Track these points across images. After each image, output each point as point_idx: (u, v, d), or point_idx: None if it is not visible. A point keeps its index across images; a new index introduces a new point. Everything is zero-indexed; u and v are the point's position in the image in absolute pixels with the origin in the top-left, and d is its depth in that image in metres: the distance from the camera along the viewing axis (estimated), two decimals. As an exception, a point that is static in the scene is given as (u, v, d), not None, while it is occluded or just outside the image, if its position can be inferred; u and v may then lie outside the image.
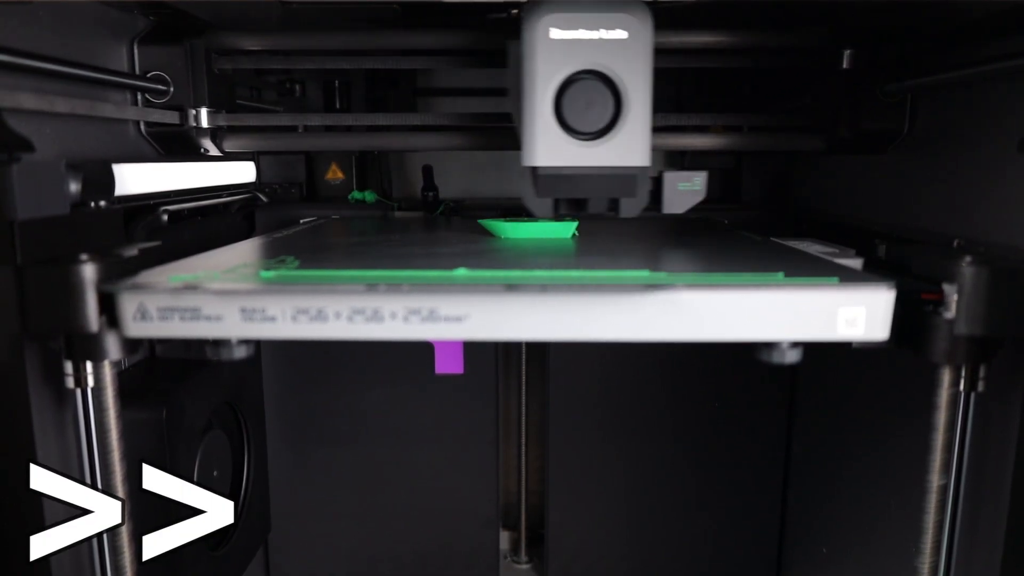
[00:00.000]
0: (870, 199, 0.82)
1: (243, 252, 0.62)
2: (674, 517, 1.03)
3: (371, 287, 0.44)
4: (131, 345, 0.49)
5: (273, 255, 0.58)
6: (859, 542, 0.80)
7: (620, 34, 0.63)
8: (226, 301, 0.45)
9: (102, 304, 0.47)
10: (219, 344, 0.47)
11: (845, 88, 0.79)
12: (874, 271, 0.55)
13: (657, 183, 0.70)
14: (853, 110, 0.78)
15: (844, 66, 0.78)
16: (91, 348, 0.48)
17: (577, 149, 0.65)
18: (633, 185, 0.67)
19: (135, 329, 0.46)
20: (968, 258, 0.48)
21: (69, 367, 0.51)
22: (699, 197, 0.71)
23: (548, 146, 0.65)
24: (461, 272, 0.49)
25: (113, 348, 0.48)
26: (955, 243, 0.61)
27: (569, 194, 0.68)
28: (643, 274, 0.48)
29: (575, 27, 0.63)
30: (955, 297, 0.47)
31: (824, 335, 0.45)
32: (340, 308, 0.45)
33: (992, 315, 0.47)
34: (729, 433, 1.00)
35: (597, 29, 0.63)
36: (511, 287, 0.45)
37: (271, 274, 0.48)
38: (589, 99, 0.64)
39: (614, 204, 0.69)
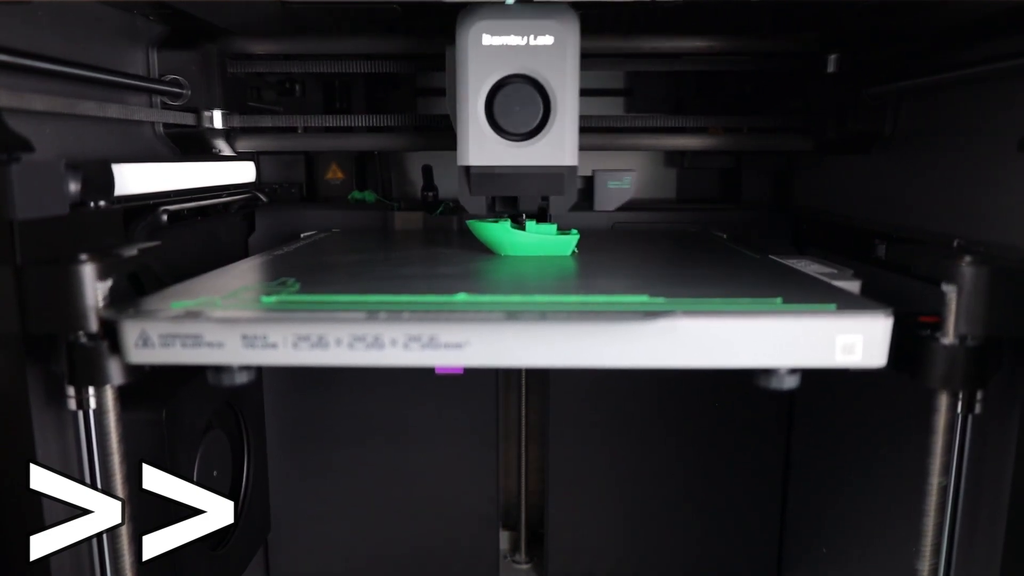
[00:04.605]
0: (870, 199, 0.82)
1: (244, 273, 0.62)
2: (674, 517, 1.03)
3: (371, 314, 0.45)
4: (133, 371, 0.49)
5: (274, 276, 0.58)
6: (859, 542, 0.80)
7: (547, 40, 0.66)
8: (227, 328, 0.45)
9: (104, 330, 0.48)
10: (221, 370, 0.47)
11: (832, 91, 0.81)
12: (874, 272, 0.55)
13: (589, 182, 0.74)
14: (839, 112, 0.80)
15: (830, 70, 0.81)
16: (93, 373, 0.49)
17: (508, 149, 0.69)
18: (561, 183, 0.70)
19: (137, 356, 0.46)
20: (968, 258, 0.48)
21: (71, 390, 0.51)
22: (628, 195, 0.74)
23: (480, 147, 0.69)
24: (461, 297, 0.49)
25: (115, 374, 0.49)
26: (955, 243, 0.61)
27: (501, 192, 0.72)
28: (642, 299, 0.48)
29: (506, 33, 0.66)
30: (953, 306, 0.47)
31: (822, 362, 0.45)
32: (341, 335, 0.45)
33: (992, 315, 0.47)
34: (729, 433, 1.00)
35: (526, 35, 0.66)
36: (511, 314, 0.45)
37: (272, 299, 0.49)
38: (519, 102, 0.68)
39: (547, 201, 0.72)
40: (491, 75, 0.67)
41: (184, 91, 0.80)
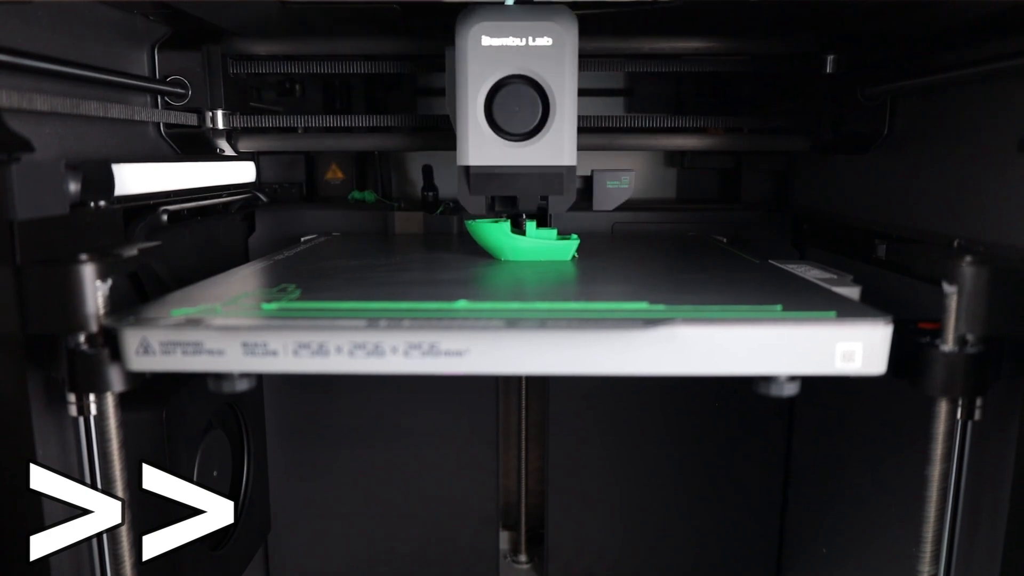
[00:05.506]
0: (870, 199, 0.82)
1: (244, 279, 0.62)
2: (674, 517, 1.03)
3: (372, 322, 0.45)
4: (134, 378, 0.49)
5: (274, 282, 0.58)
6: (859, 542, 0.80)
7: (546, 41, 0.67)
8: (228, 336, 0.45)
9: (105, 337, 0.48)
10: (221, 377, 0.47)
11: (828, 91, 0.81)
12: (874, 272, 0.55)
13: (588, 182, 0.75)
14: (836, 112, 0.81)
15: (827, 71, 0.81)
16: (94, 381, 0.49)
17: (507, 149, 0.70)
18: (560, 183, 0.71)
19: (138, 363, 0.46)
20: (968, 258, 0.48)
21: (71, 396, 0.51)
22: (627, 195, 0.75)
23: (480, 147, 0.70)
24: (461, 304, 0.49)
25: (116, 381, 0.49)
26: (955, 243, 0.61)
27: (500, 192, 0.72)
28: (641, 306, 0.49)
29: (504, 35, 0.67)
30: (954, 307, 0.47)
31: (821, 369, 0.45)
32: (341, 343, 0.45)
33: (992, 315, 0.47)
34: (729, 433, 1.00)
35: (525, 37, 0.67)
36: (511, 322, 0.45)
37: (273, 306, 0.49)
38: (518, 102, 0.69)
39: (546, 201, 0.73)
40: (490, 76, 0.68)
41: (186, 91, 0.81)
